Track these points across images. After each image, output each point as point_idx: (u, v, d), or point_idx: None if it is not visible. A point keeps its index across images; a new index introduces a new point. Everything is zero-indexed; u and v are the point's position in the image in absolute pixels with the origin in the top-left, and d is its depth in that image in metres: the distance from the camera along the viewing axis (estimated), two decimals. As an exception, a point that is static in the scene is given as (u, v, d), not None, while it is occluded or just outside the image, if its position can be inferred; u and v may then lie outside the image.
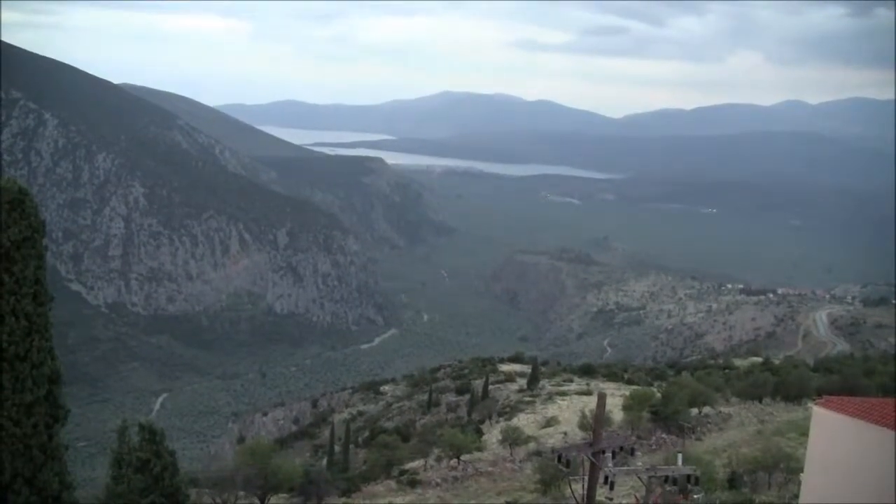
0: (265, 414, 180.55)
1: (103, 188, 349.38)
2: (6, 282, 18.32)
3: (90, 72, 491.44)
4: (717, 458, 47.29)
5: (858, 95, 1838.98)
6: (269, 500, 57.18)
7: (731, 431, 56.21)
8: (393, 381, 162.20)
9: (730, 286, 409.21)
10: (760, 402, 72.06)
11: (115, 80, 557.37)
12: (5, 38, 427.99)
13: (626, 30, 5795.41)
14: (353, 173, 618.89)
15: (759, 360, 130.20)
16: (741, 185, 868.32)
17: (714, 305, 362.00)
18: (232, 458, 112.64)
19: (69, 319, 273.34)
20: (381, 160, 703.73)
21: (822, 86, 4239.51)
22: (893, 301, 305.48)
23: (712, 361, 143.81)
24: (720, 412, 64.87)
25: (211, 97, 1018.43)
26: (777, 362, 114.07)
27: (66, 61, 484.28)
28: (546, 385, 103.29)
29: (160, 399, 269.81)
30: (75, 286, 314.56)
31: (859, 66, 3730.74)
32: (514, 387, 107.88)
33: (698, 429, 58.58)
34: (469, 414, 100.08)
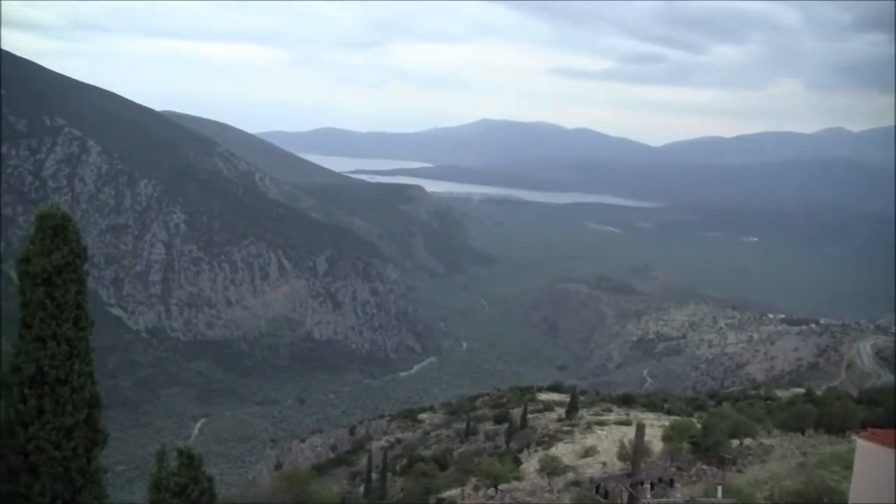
0: (303, 440, 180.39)
1: (145, 214, 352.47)
2: (48, 306, 18.43)
3: (133, 99, 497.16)
4: (758, 491, 46.65)
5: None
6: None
7: (773, 463, 55.42)
8: (431, 409, 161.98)
9: (771, 316, 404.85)
10: (803, 433, 71.08)
11: (157, 108, 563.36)
12: (50, 67, 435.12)
13: (665, 58, 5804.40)
14: (392, 201, 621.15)
15: (802, 391, 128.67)
16: (782, 214, 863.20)
17: (755, 335, 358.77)
18: (269, 484, 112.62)
19: (110, 344, 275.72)
20: (420, 188, 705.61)
21: (863, 113, 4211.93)
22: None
23: (753, 392, 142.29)
24: (761, 444, 64.08)
25: (251, 125, 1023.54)
26: (820, 393, 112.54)
27: (110, 89, 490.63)
28: (585, 415, 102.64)
29: (199, 424, 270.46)
30: (116, 311, 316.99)
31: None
32: (552, 416, 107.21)
33: (739, 460, 57.87)
34: (507, 443, 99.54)
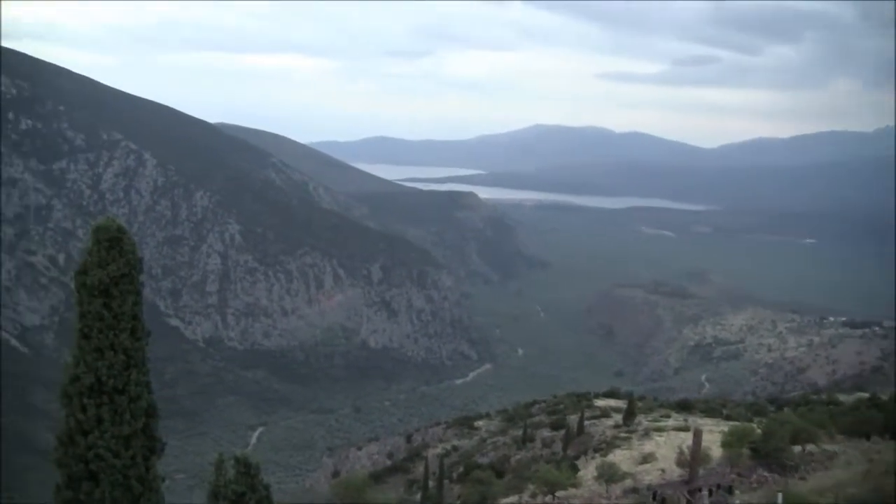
0: (359, 448, 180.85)
1: (200, 225, 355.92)
2: (105, 317, 18.58)
3: (187, 112, 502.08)
4: (821, 498, 45.94)
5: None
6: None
7: (837, 470, 54.53)
8: (487, 416, 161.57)
9: (832, 319, 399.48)
10: (868, 439, 69.88)
11: (211, 120, 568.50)
12: (106, 82, 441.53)
13: (719, 59, 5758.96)
14: (445, 208, 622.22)
15: (866, 395, 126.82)
16: (840, 214, 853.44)
17: (816, 339, 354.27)
18: (326, 492, 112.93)
19: (168, 354, 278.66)
20: (473, 195, 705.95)
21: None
22: None
23: (815, 397, 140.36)
24: (824, 450, 63.12)
25: (304, 135, 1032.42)
26: (885, 398, 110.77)
27: (165, 102, 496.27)
28: (643, 421, 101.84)
29: (256, 433, 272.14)
30: (174, 321, 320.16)
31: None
32: (609, 422, 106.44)
33: (802, 467, 57.06)
34: (564, 450, 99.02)
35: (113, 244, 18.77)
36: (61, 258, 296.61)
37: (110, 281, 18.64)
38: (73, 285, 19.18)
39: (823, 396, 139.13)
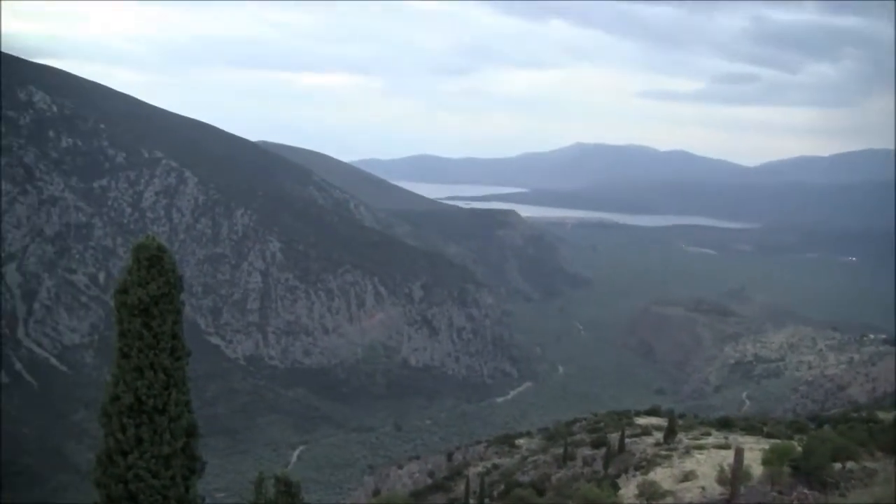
0: (400, 467, 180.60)
1: (241, 244, 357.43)
2: (145, 336, 18.85)
3: (228, 130, 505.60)
4: (862, 515, 45.74)
5: None
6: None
7: (877, 487, 54.02)
8: (528, 434, 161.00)
9: (872, 336, 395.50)
10: (908, 457, 69.42)
11: (253, 138, 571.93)
12: (147, 100, 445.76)
13: (758, 77, 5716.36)
14: (486, 226, 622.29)
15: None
16: (882, 233, 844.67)
17: (856, 356, 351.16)
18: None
19: (209, 372, 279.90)
20: (514, 213, 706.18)
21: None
22: None
23: (855, 414, 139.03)
24: (864, 467, 62.68)
25: (346, 153, 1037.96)
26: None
27: (206, 120, 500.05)
28: (683, 438, 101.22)
29: (297, 451, 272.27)
30: (215, 339, 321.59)
31: None
32: (650, 440, 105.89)
33: (842, 484, 56.70)
34: (605, 468, 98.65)
35: (153, 263, 19.07)
36: (101, 276, 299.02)
37: (150, 300, 18.92)
38: (113, 304, 19.47)
39: (863, 414, 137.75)
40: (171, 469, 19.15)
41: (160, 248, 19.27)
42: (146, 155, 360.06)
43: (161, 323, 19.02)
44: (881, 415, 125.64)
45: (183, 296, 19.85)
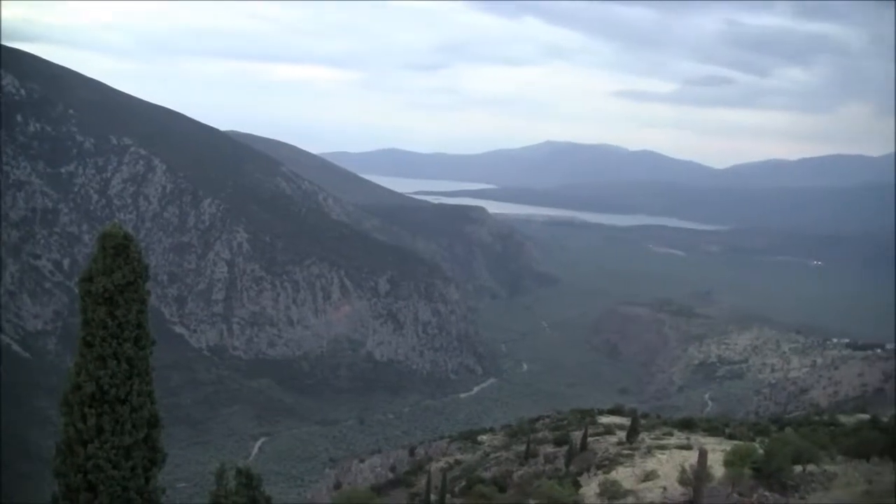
0: (362, 461, 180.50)
1: (208, 233, 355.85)
2: (109, 325, 18.65)
3: (199, 119, 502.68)
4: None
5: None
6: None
7: (837, 491, 54.50)
8: (491, 430, 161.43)
9: (835, 340, 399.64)
10: (868, 461, 69.91)
11: (223, 128, 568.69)
12: (118, 87, 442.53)
13: (732, 80, 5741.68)
14: (455, 222, 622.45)
15: (867, 417, 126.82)
16: (847, 238, 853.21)
17: (819, 360, 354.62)
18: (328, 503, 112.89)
19: (173, 362, 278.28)
20: (483, 209, 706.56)
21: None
22: None
23: (817, 417, 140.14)
24: (825, 470, 63.06)
25: (316, 145, 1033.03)
26: (886, 420, 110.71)
27: (177, 109, 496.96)
28: (646, 438, 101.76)
29: (259, 443, 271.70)
30: (179, 329, 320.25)
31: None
32: (613, 439, 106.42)
33: (802, 487, 57.03)
34: (567, 466, 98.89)
35: (119, 251, 18.85)
36: (66, 263, 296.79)
37: (115, 289, 18.71)
38: (77, 291, 19.25)
39: (825, 417, 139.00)
40: (132, 460, 18.95)
41: (126, 237, 19.05)
42: (115, 142, 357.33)
43: (126, 312, 18.82)
44: (843, 418, 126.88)
45: (148, 285, 19.64)
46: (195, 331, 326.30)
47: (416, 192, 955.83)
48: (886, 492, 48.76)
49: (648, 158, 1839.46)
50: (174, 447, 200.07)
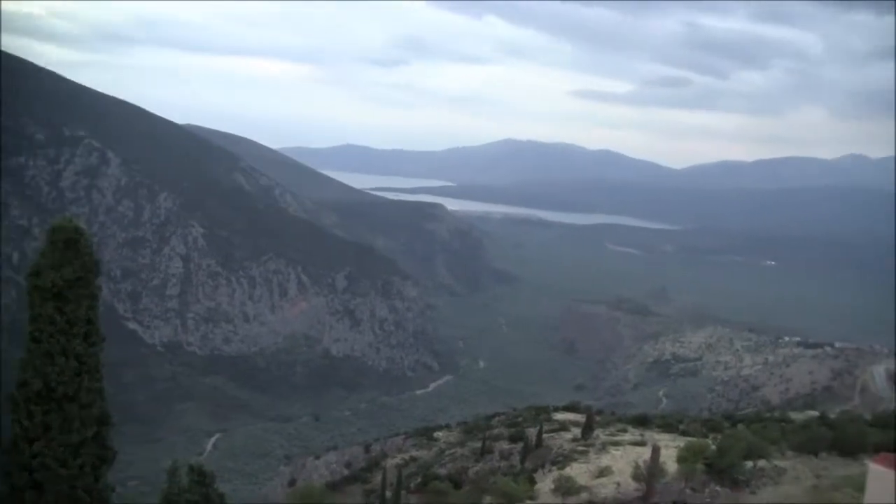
0: (318, 457, 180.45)
1: (163, 228, 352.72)
2: (58, 321, 18.44)
3: (155, 112, 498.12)
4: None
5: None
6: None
7: (787, 486, 55.16)
8: (447, 427, 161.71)
9: (787, 339, 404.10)
10: (816, 456, 70.93)
11: (179, 121, 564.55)
12: (74, 78, 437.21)
13: (689, 82, 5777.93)
14: (413, 219, 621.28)
15: (816, 413, 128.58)
16: (801, 239, 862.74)
17: (771, 358, 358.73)
18: (283, 501, 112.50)
19: (125, 358, 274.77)
20: (442, 206, 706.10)
21: (883, 140, 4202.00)
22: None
23: (768, 414, 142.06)
24: (775, 466, 63.79)
25: (274, 140, 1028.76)
26: (834, 416, 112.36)
27: (133, 101, 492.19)
28: (600, 435, 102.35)
29: (213, 439, 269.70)
30: (132, 325, 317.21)
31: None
32: (568, 436, 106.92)
33: (753, 482, 57.67)
34: (522, 462, 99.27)
35: (69, 245, 18.63)
36: (15, 257, 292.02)
37: (64, 284, 18.50)
38: (26, 286, 19.00)
39: (776, 414, 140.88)
40: (81, 458, 18.74)
41: (77, 230, 18.87)
42: (68, 133, 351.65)
43: (75, 308, 18.63)
44: (793, 415, 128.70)
45: (100, 280, 19.45)
46: (149, 327, 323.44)
47: (375, 189, 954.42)
48: (834, 486, 49.39)
49: (606, 158, 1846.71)
50: (126, 445, 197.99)
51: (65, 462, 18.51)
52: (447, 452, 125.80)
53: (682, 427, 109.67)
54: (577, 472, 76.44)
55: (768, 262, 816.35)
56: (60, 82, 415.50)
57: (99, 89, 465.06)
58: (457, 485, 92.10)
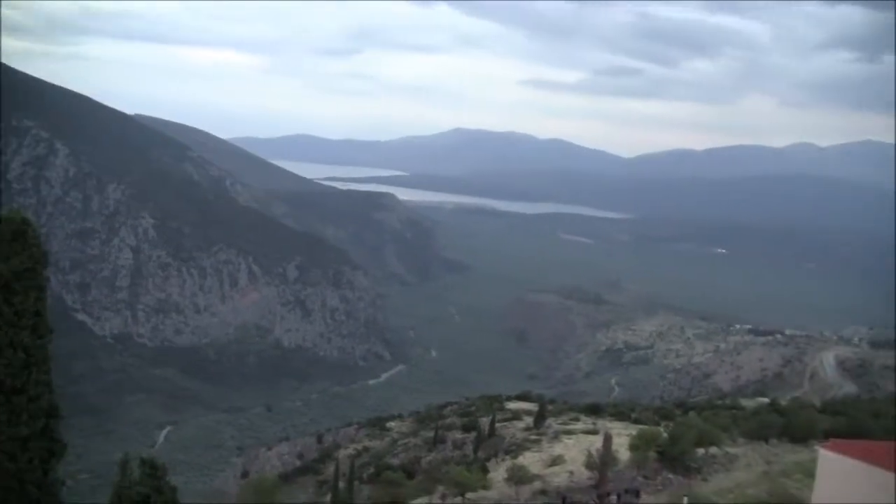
0: (270, 449, 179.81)
1: (113, 219, 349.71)
2: (5, 313, 18.20)
3: (104, 102, 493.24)
4: (722, 499, 46.92)
5: (868, 139, 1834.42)
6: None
7: (738, 472, 55.70)
8: (399, 417, 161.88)
9: (738, 327, 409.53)
10: (767, 442, 71.62)
11: (129, 111, 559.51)
12: (20, 68, 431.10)
13: (640, 71, 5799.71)
14: (364, 208, 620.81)
15: (766, 400, 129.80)
16: (751, 227, 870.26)
17: (722, 345, 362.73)
18: (236, 493, 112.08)
19: (75, 350, 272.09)
20: (392, 196, 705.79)
21: (832, 129, 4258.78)
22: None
23: (719, 401, 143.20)
24: (727, 453, 64.37)
25: (224, 130, 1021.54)
26: (784, 403, 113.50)
27: (81, 91, 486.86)
28: (553, 424, 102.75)
29: (164, 432, 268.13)
30: (81, 316, 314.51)
31: (869, 110, 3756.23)
32: (520, 425, 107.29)
33: (704, 469, 58.12)
34: (475, 451, 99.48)
35: (16, 237, 18.40)
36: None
37: (12, 276, 18.27)
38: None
39: (727, 401, 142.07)
40: (29, 452, 18.52)
41: (24, 222, 18.64)
42: (14, 123, 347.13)
43: (23, 300, 18.39)
44: (744, 402, 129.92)
45: (49, 271, 19.20)
46: (98, 318, 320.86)
47: (326, 179, 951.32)
48: (785, 472, 49.87)
49: (558, 147, 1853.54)
50: (76, 437, 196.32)
51: (13, 456, 18.25)
52: (400, 442, 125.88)
53: (634, 415, 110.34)
54: (530, 461, 76.71)
55: (719, 251, 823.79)
56: (6, 71, 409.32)
57: (47, 79, 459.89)
58: (410, 475, 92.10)
